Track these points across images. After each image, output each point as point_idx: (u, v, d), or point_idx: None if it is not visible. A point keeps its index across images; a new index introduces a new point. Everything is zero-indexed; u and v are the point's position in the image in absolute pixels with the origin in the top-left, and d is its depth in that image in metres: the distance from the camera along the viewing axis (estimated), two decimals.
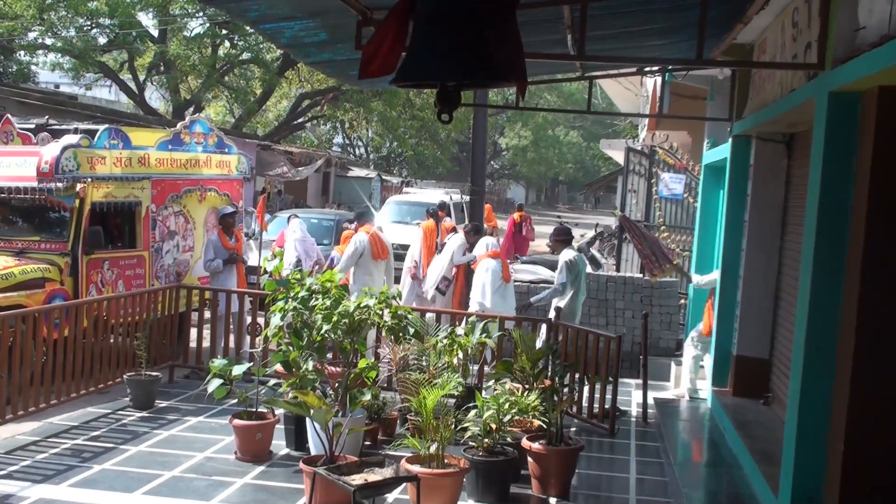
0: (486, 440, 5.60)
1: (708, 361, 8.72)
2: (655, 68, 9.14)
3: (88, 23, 25.62)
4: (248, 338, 9.27)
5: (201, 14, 25.99)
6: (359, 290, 7.33)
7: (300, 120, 31.86)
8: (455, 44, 3.13)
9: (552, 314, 8.11)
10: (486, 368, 7.79)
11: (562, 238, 8.80)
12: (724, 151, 8.40)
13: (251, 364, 6.44)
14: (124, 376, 7.47)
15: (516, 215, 20.28)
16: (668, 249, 10.02)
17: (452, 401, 6.20)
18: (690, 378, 8.52)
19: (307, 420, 5.83)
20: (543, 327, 8.18)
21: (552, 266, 11.50)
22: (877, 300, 4.12)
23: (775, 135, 7.22)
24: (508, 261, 18.44)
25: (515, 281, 11.37)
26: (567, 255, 8.60)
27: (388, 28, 3.41)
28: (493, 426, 5.59)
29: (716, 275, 8.53)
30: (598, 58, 6.86)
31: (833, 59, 4.45)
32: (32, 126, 8.81)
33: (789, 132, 7.09)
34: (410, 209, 19.20)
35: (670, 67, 8.64)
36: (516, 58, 3.26)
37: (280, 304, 6.22)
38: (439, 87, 3.30)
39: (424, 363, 6.84)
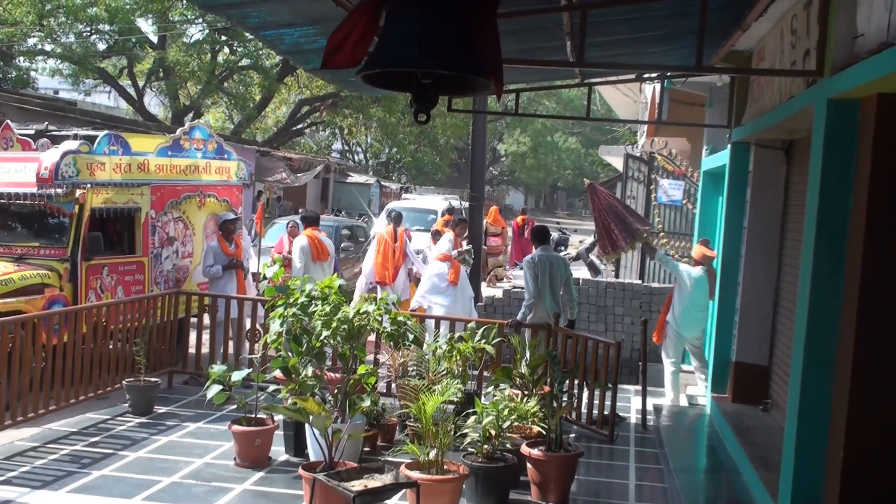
0: (485, 446, 5.59)
1: (694, 366, 8.70)
2: (654, 75, 9.15)
3: (88, 29, 25.70)
4: (247, 344, 9.26)
5: (200, 20, 26.06)
6: None
7: (299, 126, 31.93)
8: (434, 32, 2.99)
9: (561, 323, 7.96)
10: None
11: (534, 239, 8.41)
12: (722, 158, 8.42)
13: (250, 370, 6.43)
14: (123, 382, 7.46)
15: (519, 219, 20.44)
16: (642, 218, 9.32)
17: (452, 407, 6.19)
18: (673, 395, 8.51)
19: (306, 426, 5.82)
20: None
21: None
22: (876, 306, 4.12)
23: (774, 141, 7.24)
24: (507, 267, 18.57)
25: (515, 287, 11.39)
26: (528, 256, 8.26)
27: (358, 17, 3.21)
28: (493, 432, 5.58)
29: (679, 265, 8.43)
30: (598, 64, 6.88)
31: (832, 66, 4.46)
32: (32, 132, 8.83)
33: (788, 139, 7.11)
34: (409, 215, 19.24)
35: (669, 74, 8.65)
36: (495, 57, 3.15)
37: (279, 310, 6.22)
38: (414, 86, 3.15)
39: (423, 369, 6.84)
